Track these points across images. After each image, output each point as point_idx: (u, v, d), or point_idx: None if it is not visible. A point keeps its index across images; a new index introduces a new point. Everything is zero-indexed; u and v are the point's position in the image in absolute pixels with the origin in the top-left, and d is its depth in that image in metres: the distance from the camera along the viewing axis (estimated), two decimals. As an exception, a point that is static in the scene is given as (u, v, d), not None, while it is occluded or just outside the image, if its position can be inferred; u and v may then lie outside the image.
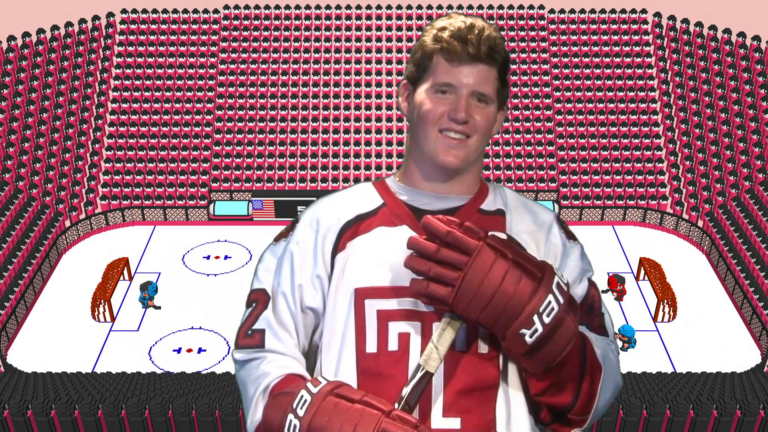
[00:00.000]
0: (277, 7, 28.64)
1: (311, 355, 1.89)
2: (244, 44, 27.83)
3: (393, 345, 1.73)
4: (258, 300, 1.88)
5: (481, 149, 1.82)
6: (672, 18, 28.06)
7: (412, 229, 1.80)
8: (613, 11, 28.42)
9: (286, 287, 1.84)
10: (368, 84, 26.80)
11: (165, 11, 28.40)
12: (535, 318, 1.57)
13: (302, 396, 1.61)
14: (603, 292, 20.33)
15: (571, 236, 1.92)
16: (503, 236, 1.73)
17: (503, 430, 1.73)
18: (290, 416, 1.60)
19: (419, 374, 1.63)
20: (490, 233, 1.62)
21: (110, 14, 27.95)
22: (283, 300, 1.84)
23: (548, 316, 1.58)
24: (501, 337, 1.63)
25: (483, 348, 1.73)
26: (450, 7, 28.74)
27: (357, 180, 24.64)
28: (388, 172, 24.70)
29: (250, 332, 1.84)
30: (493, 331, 1.62)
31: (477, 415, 1.71)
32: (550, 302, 1.58)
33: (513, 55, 27.46)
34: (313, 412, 1.58)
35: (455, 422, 1.70)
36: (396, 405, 1.63)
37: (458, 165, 1.79)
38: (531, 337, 1.58)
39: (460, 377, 1.71)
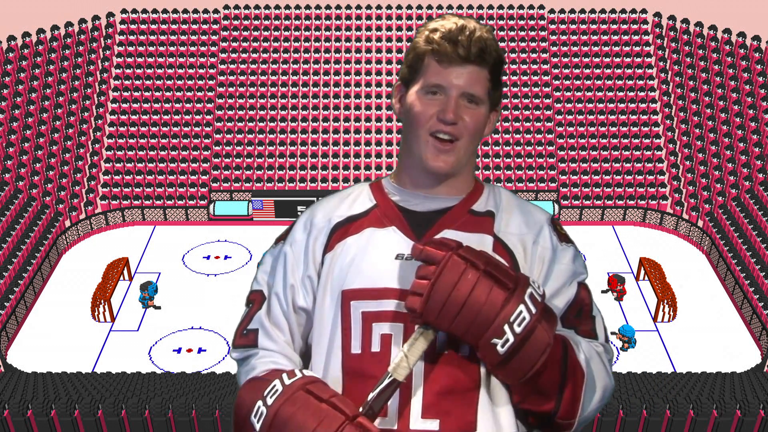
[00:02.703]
0: (277, 7, 28.64)
1: (306, 356, 1.91)
2: (244, 44, 27.83)
3: (375, 346, 1.75)
4: (254, 301, 1.93)
5: (471, 151, 1.82)
6: (672, 18, 28.06)
7: (400, 230, 1.83)
8: (613, 11, 28.42)
9: (278, 288, 1.89)
10: (368, 84, 26.80)
11: (165, 11, 28.40)
12: (506, 328, 1.58)
13: (275, 385, 1.67)
14: (603, 292, 20.42)
15: (564, 239, 1.90)
16: (489, 240, 1.79)
17: None
18: (259, 402, 1.66)
19: (386, 381, 1.64)
20: (464, 245, 1.64)
21: (110, 14, 27.95)
22: (276, 300, 1.88)
23: (519, 325, 1.58)
24: (474, 347, 1.65)
25: (464, 350, 1.73)
26: (450, 7, 28.74)
27: (357, 180, 24.64)
28: (388, 172, 24.63)
29: (245, 332, 1.90)
30: (466, 341, 1.64)
31: (457, 417, 1.71)
32: (521, 312, 1.59)
33: (513, 55, 27.46)
34: (281, 403, 1.63)
35: (434, 424, 1.71)
36: (361, 409, 1.64)
37: (447, 170, 1.80)
38: (503, 346, 1.59)
39: (439, 379, 1.71)
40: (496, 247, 1.81)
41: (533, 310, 1.60)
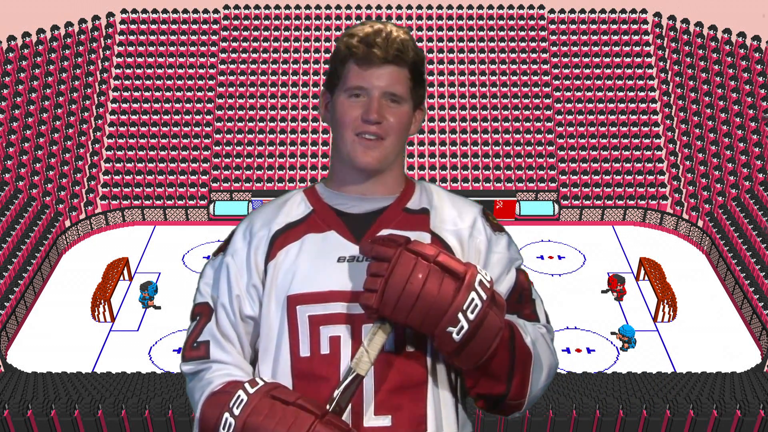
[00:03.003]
0: (277, 7, 28.64)
1: (255, 362, 1.94)
2: (244, 44, 27.83)
3: (325, 348, 1.80)
4: (201, 313, 1.93)
5: (398, 149, 1.88)
6: (672, 18, 28.06)
7: (339, 233, 1.88)
8: (613, 11, 28.43)
9: (224, 299, 1.90)
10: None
11: (165, 11, 28.41)
12: (460, 316, 1.63)
13: (239, 396, 1.67)
14: (603, 292, 20.44)
15: (496, 228, 1.97)
16: (427, 237, 1.86)
17: (432, 426, 1.80)
18: (226, 414, 1.66)
19: (350, 377, 1.68)
20: (413, 239, 1.69)
21: (110, 14, 27.96)
22: (223, 311, 1.90)
23: (473, 312, 1.63)
24: (430, 336, 1.68)
25: (410, 347, 1.80)
26: (450, 7, 28.74)
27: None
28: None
29: (195, 345, 1.90)
30: (422, 331, 1.68)
31: (408, 411, 1.78)
32: (473, 299, 1.64)
33: (513, 55, 27.46)
34: (249, 412, 1.64)
35: (386, 420, 1.78)
36: (327, 406, 1.68)
37: (375, 166, 1.85)
38: (458, 334, 1.64)
39: (389, 376, 1.78)
40: (434, 244, 1.84)
41: (484, 297, 1.65)
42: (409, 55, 1.82)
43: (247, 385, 1.70)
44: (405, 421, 1.78)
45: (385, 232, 1.85)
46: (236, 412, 1.65)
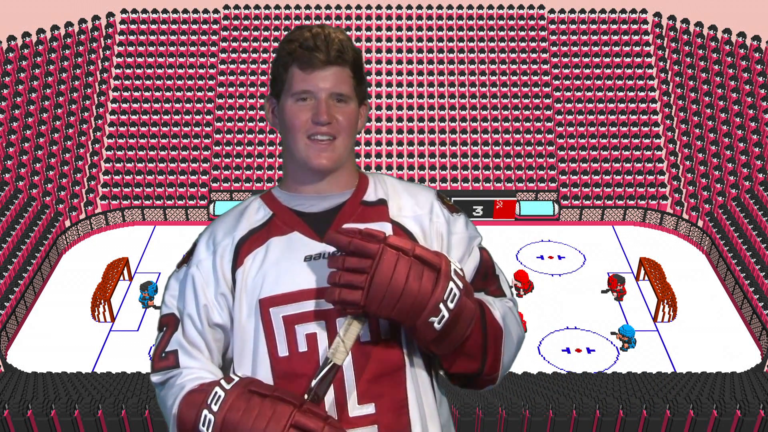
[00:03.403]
0: (277, 7, 28.64)
1: (225, 370, 1.97)
2: (244, 44, 27.83)
3: (302, 346, 1.84)
4: (168, 324, 1.96)
5: (349, 146, 1.94)
6: (672, 18, 28.06)
7: (302, 233, 1.92)
8: (613, 11, 28.43)
9: (191, 309, 1.92)
10: (368, 84, 26.76)
11: (165, 11, 28.41)
12: (441, 306, 1.70)
13: (216, 392, 1.71)
14: (603, 292, 20.44)
15: (453, 210, 2.03)
16: (388, 226, 1.92)
17: (414, 408, 1.87)
18: (205, 411, 1.70)
19: (327, 366, 1.73)
20: (388, 235, 1.75)
21: (110, 14, 27.96)
22: (189, 321, 1.92)
23: (452, 302, 1.71)
24: (411, 327, 1.74)
25: (385, 335, 1.86)
26: (450, 7, 28.74)
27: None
28: (388, 171, 24.70)
29: (164, 355, 1.93)
30: (404, 323, 1.74)
31: (389, 397, 1.85)
32: (452, 289, 1.71)
33: (513, 55, 27.47)
34: (227, 407, 1.67)
35: (370, 408, 1.84)
36: (305, 397, 1.72)
37: (330, 166, 1.91)
38: (439, 323, 1.71)
39: (368, 366, 1.83)
40: (396, 232, 1.92)
41: (461, 286, 1.73)
42: (349, 54, 1.87)
43: (223, 382, 1.73)
44: (387, 406, 1.84)
45: (347, 227, 1.87)
46: (214, 408, 1.68)
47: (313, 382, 1.73)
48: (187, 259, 2.00)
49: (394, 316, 1.71)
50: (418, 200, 2.00)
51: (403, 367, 1.86)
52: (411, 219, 1.96)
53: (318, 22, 28.24)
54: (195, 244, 2.01)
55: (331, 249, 1.85)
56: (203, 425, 1.69)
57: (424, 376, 1.91)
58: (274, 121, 1.99)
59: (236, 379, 1.74)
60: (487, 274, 2.00)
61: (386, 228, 1.92)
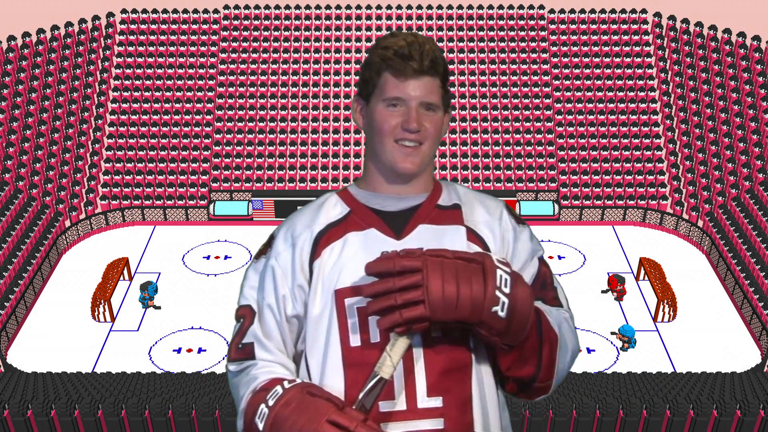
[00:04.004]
0: (277, 7, 28.64)
1: (297, 360, 2.05)
2: (244, 44, 27.83)
3: (375, 337, 1.91)
4: (245, 315, 2.04)
5: (433, 153, 2.02)
6: (672, 18, 28.07)
7: (379, 230, 2.00)
8: (613, 11, 28.43)
9: (270, 300, 2.00)
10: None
11: (165, 11, 28.41)
12: (498, 293, 1.75)
13: (276, 390, 1.83)
14: (603, 292, 20.44)
15: (519, 221, 2.12)
16: (463, 230, 1.99)
17: (478, 405, 1.93)
18: (262, 405, 1.82)
19: (374, 380, 1.78)
20: (425, 248, 1.81)
21: (110, 14, 27.96)
22: (269, 312, 2.00)
23: (506, 286, 1.77)
24: (479, 322, 1.78)
25: (455, 332, 1.91)
26: (450, 6, 28.75)
27: (357, 180, 24.61)
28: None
29: (240, 346, 2.02)
30: (471, 320, 1.78)
31: (456, 393, 1.91)
32: (501, 275, 1.77)
33: (513, 55, 27.47)
34: (282, 403, 1.79)
35: (438, 401, 1.90)
36: (354, 407, 1.79)
37: (415, 170, 1.98)
38: (503, 310, 1.76)
39: (439, 360, 1.90)
40: (469, 236, 2.00)
41: (507, 270, 1.79)
42: (441, 65, 1.95)
43: (285, 383, 1.85)
44: (454, 402, 1.91)
45: (422, 227, 2.00)
46: (270, 403, 1.80)
47: (361, 394, 1.78)
48: (265, 251, 2.08)
49: (459, 316, 1.76)
50: (488, 208, 2.09)
51: (469, 365, 1.93)
52: (483, 224, 2.05)
53: (324, 24, 28.33)
54: (272, 237, 2.09)
55: (408, 246, 1.91)
56: (258, 417, 1.81)
57: (489, 377, 1.98)
58: (361, 121, 2.08)
59: (298, 381, 1.86)
60: (545, 284, 2.07)
61: (460, 231, 2.01)
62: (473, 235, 2.01)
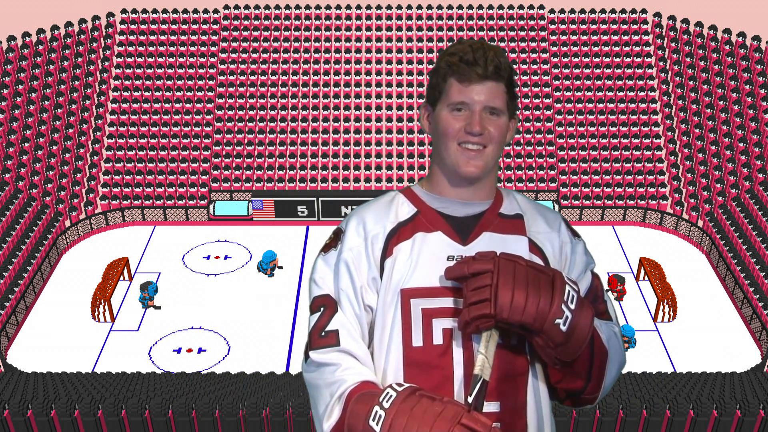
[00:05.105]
0: (277, 7, 28.64)
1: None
2: (244, 44, 27.83)
3: (438, 339, 1.95)
4: (326, 305, 2.04)
5: (497, 157, 2.06)
6: (672, 18, 28.06)
7: (446, 234, 2.05)
8: (613, 11, 28.43)
9: (348, 290, 2.03)
10: (368, 84, 26.80)
11: (165, 11, 28.41)
12: (564, 307, 1.82)
13: (388, 392, 1.80)
14: (603, 292, 20.49)
15: (575, 234, 2.19)
16: (525, 240, 2.05)
17: (533, 412, 1.99)
18: (376, 407, 1.78)
19: (478, 384, 1.81)
20: (500, 252, 1.88)
21: (110, 14, 27.96)
22: (347, 301, 2.03)
23: (572, 303, 1.83)
24: (539, 331, 1.84)
25: (514, 340, 1.98)
26: (450, 7, 28.74)
27: (357, 180, 24.65)
28: (389, 172, 24.71)
29: (324, 333, 2.01)
30: (534, 327, 1.83)
31: (512, 398, 1.97)
32: (570, 291, 1.84)
33: (513, 55, 27.46)
34: (399, 404, 1.75)
35: (495, 406, 1.95)
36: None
37: (478, 174, 2.02)
38: (564, 324, 1.82)
39: (497, 367, 1.93)
40: (531, 248, 2.06)
41: (576, 288, 1.86)
42: (505, 71, 1.99)
43: (395, 385, 1.82)
44: (510, 407, 1.96)
45: (486, 234, 2.05)
46: (386, 405, 1.76)
47: (470, 399, 1.80)
48: (333, 244, 2.10)
49: (525, 319, 1.80)
50: (548, 220, 2.16)
51: (526, 373, 1.98)
52: (543, 235, 2.11)
53: (324, 24, 28.33)
54: (342, 231, 2.10)
55: (473, 252, 1.97)
56: (373, 420, 1.76)
57: (543, 386, 2.03)
58: (428, 127, 2.11)
59: (406, 385, 1.82)
60: (597, 297, 2.12)
61: (522, 242, 2.06)
62: (534, 247, 2.06)
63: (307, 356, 2.02)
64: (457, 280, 1.89)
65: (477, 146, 1.98)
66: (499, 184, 2.24)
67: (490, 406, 1.93)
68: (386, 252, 2.02)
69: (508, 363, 1.96)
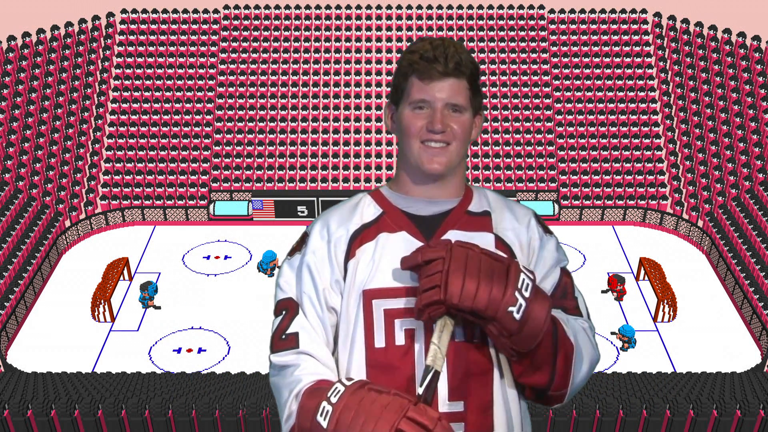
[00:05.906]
0: (277, 7, 28.64)
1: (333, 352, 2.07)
2: (244, 44, 27.83)
3: (400, 340, 1.94)
4: (288, 308, 2.04)
5: (462, 154, 2.03)
6: (672, 18, 28.06)
7: (410, 234, 2.03)
8: (613, 11, 28.43)
9: (311, 292, 2.02)
10: (368, 84, 26.80)
11: (165, 11, 28.41)
12: (517, 294, 1.78)
13: (336, 387, 1.80)
14: (603, 292, 20.43)
15: (546, 230, 2.14)
16: (491, 237, 2.02)
17: (500, 410, 1.97)
18: (324, 403, 1.78)
19: (430, 375, 1.78)
20: (455, 240, 1.86)
21: (110, 14, 27.96)
22: (309, 304, 2.02)
23: (527, 291, 1.80)
24: (492, 318, 1.80)
25: (477, 337, 1.94)
26: (450, 7, 28.74)
27: (357, 180, 24.65)
28: (389, 172, 24.71)
29: (284, 336, 2.01)
30: (486, 314, 1.79)
31: (477, 397, 1.94)
32: (524, 279, 1.81)
33: (513, 55, 27.47)
34: (346, 398, 1.75)
35: (459, 405, 1.92)
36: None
37: (442, 171, 2.00)
38: (518, 312, 1.78)
39: (460, 365, 1.92)
40: (497, 244, 2.03)
41: (531, 276, 1.83)
42: (467, 67, 1.96)
43: (344, 380, 1.82)
44: (475, 406, 1.93)
45: (452, 233, 2.02)
46: (334, 399, 1.76)
47: (420, 390, 1.78)
48: (299, 247, 2.10)
49: (476, 305, 1.77)
50: (517, 215, 2.12)
51: (491, 370, 1.95)
52: (511, 232, 2.07)
53: (324, 24, 28.33)
54: (307, 234, 2.11)
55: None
56: (320, 415, 1.76)
57: (511, 383, 1.99)
58: (392, 126, 2.09)
59: (355, 379, 1.83)
60: (566, 293, 2.08)
61: (488, 238, 2.03)
62: (501, 243, 2.03)
63: (269, 360, 2.02)
64: (412, 269, 1.86)
65: (440, 144, 1.96)
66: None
67: (454, 406, 1.91)
68: (349, 254, 2.01)
69: (472, 361, 1.93)
